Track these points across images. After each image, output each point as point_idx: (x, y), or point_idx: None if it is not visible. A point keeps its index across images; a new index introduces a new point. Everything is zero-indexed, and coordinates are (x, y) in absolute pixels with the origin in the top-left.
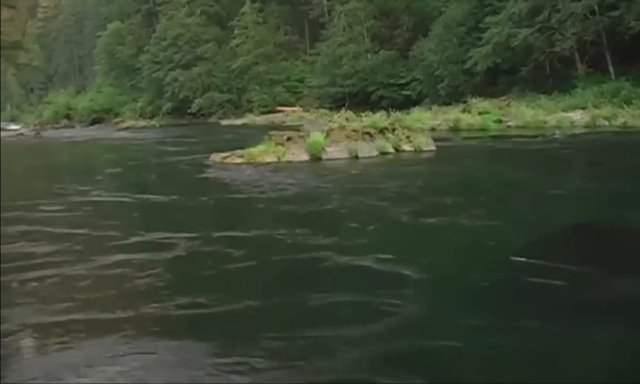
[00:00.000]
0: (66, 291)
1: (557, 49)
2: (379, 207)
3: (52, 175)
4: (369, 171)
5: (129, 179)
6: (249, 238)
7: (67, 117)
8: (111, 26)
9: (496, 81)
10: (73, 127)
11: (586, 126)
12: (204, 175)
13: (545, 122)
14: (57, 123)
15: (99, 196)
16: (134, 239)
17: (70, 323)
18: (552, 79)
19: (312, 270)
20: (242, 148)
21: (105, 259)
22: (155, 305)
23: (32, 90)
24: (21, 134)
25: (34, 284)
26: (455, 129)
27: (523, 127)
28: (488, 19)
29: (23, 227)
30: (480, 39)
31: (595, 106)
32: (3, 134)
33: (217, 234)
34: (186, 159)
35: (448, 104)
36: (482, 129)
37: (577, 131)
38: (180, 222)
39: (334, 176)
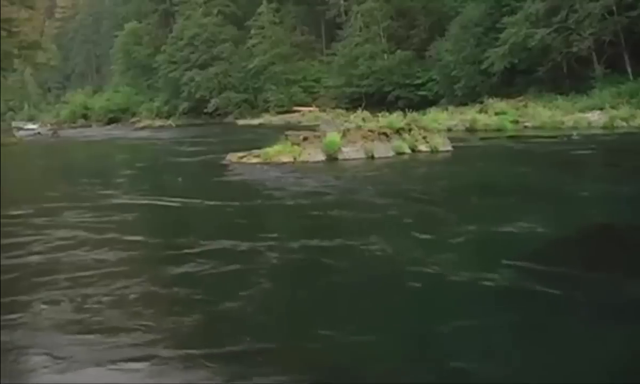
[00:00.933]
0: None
1: (574, 49)
2: (420, 211)
3: (75, 176)
4: (388, 171)
5: (151, 180)
6: (327, 248)
7: (84, 116)
8: (128, 26)
9: (513, 82)
10: (90, 126)
11: (604, 127)
12: (225, 177)
13: (563, 123)
14: (74, 122)
15: (127, 199)
16: (200, 248)
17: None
18: (570, 79)
19: (424, 289)
20: (258, 148)
21: (188, 268)
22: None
23: (49, 89)
24: (38, 133)
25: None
26: (471, 129)
27: (540, 127)
28: (505, 19)
29: (69, 233)
30: (497, 39)
31: (612, 107)
32: (21, 133)
33: (278, 242)
34: (204, 159)
35: (465, 104)
36: (499, 130)
37: (594, 132)
38: (230, 228)
39: (356, 177)
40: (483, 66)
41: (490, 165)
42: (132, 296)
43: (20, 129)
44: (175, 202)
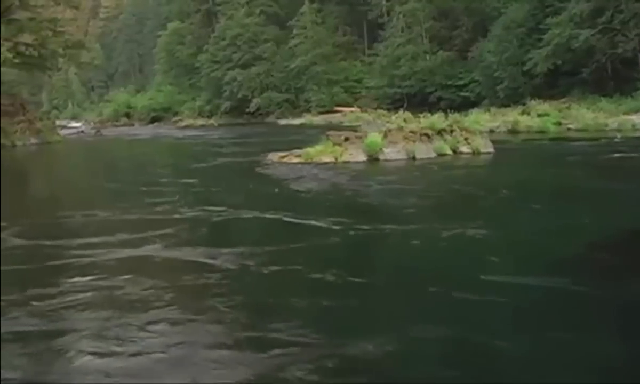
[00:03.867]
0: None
1: (619, 50)
2: (470, 211)
3: (128, 176)
4: (432, 172)
5: (202, 183)
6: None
7: (127, 115)
8: (171, 26)
9: (556, 83)
10: (132, 125)
11: None
12: (267, 177)
13: (606, 125)
14: (116, 121)
15: (192, 210)
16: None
17: None
18: (614, 81)
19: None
20: (299, 148)
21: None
22: None
23: (93, 88)
24: (82, 131)
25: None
26: (513, 131)
27: (583, 130)
28: (549, 20)
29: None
30: (540, 40)
31: None
32: (64, 131)
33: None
34: (248, 160)
35: (507, 106)
36: (541, 132)
37: (639, 135)
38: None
39: (403, 178)
40: (526, 67)
41: (532, 167)
42: None
43: (63, 127)
44: (224, 210)
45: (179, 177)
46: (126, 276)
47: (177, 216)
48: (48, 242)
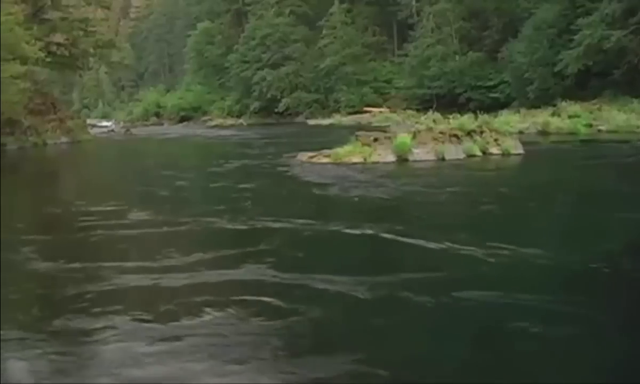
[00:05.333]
0: None
1: None
2: (505, 212)
3: (168, 180)
4: (463, 173)
5: (240, 187)
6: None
7: (157, 114)
8: (201, 26)
9: (587, 84)
10: (162, 124)
11: None
12: (309, 179)
13: (638, 127)
14: (146, 120)
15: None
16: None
17: None
18: None
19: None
20: (328, 148)
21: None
22: None
23: (123, 88)
24: (112, 130)
25: None
26: (543, 132)
27: (614, 131)
28: (580, 21)
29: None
30: (571, 40)
31: None
32: (95, 130)
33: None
34: (278, 161)
35: (537, 107)
36: (572, 133)
37: None
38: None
39: (436, 179)
40: (556, 68)
41: (564, 168)
42: None
43: (94, 126)
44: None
45: (217, 180)
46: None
47: (244, 227)
48: (108, 264)
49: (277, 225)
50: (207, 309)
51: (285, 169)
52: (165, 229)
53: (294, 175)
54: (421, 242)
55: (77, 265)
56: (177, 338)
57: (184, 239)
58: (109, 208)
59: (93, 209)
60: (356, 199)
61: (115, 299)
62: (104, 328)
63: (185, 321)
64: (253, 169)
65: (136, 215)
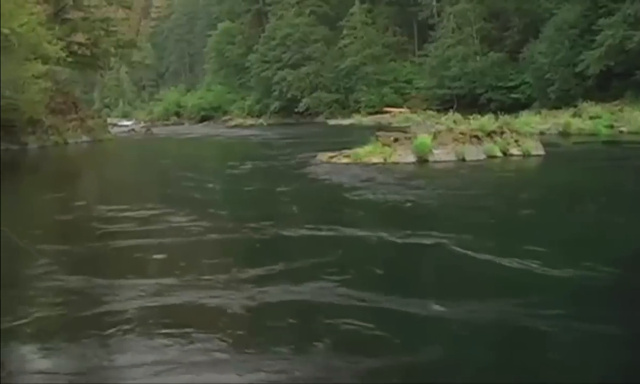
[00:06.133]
0: None
1: None
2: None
3: (197, 183)
4: (485, 174)
5: (271, 190)
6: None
7: (177, 114)
8: (221, 26)
9: (609, 85)
10: (182, 124)
11: None
12: (332, 180)
13: None
14: (166, 120)
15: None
16: None
17: None
18: None
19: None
20: (349, 148)
21: None
22: None
23: (143, 87)
24: (132, 130)
25: None
26: (564, 133)
27: (636, 133)
28: (601, 21)
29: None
30: (593, 41)
31: None
32: (115, 129)
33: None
34: (302, 160)
35: (558, 108)
36: (593, 134)
37: None
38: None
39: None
40: (578, 69)
41: (585, 170)
42: None
43: (114, 125)
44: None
45: (247, 182)
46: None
47: (297, 234)
48: (164, 281)
49: (331, 233)
50: (297, 341)
51: (311, 169)
52: (213, 236)
53: (320, 176)
54: (491, 257)
55: (124, 281)
56: None
57: (238, 249)
58: (147, 213)
59: (131, 214)
60: (409, 204)
61: (179, 318)
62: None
63: (274, 360)
64: (279, 170)
65: (177, 221)
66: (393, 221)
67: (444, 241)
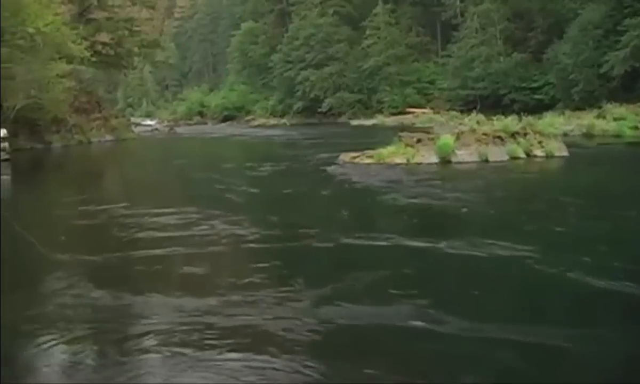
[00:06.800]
0: None
1: None
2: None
3: (227, 185)
4: (509, 176)
5: (300, 194)
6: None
7: (200, 114)
8: (245, 26)
9: (634, 86)
10: (205, 123)
11: None
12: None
13: None
14: (190, 119)
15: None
16: None
17: None
18: None
19: None
20: (371, 149)
21: None
22: None
23: (167, 87)
24: (156, 129)
25: None
26: (588, 135)
27: None
28: (627, 21)
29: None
30: (617, 42)
31: None
32: (139, 129)
33: None
34: (328, 160)
35: (582, 109)
36: (617, 136)
37: None
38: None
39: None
40: (602, 70)
41: (609, 171)
42: None
43: (138, 125)
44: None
45: (279, 183)
46: None
47: (356, 243)
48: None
49: (383, 243)
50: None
51: (335, 170)
52: (252, 245)
53: (348, 178)
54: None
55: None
56: None
57: (299, 259)
58: (178, 217)
59: (162, 220)
60: (465, 210)
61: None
62: None
63: None
64: (307, 171)
65: (221, 225)
66: (444, 229)
67: (518, 253)
